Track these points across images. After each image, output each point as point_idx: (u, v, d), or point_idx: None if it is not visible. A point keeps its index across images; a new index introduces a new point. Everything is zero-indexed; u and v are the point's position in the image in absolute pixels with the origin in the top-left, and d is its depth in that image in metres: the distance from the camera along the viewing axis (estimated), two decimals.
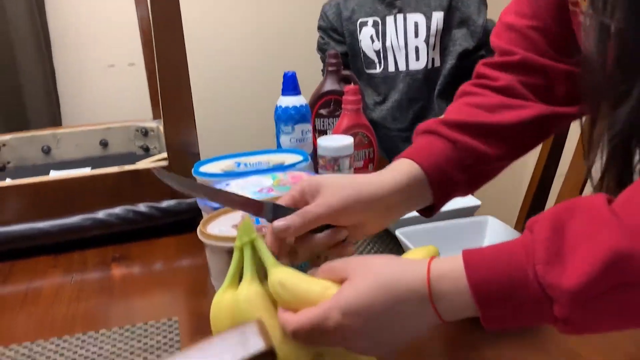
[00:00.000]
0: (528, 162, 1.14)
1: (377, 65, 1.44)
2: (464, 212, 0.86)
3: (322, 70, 1.49)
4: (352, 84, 1.14)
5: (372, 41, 1.42)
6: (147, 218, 0.92)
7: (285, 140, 1.00)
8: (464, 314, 0.45)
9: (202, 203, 0.78)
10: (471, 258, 0.44)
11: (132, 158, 1.19)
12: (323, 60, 1.51)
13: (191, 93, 0.91)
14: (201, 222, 0.68)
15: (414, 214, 0.83)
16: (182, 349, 0.65)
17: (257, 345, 0.32)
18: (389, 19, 1.39)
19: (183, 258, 0.88)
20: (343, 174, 0.61)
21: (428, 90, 1.41)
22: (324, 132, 1.16)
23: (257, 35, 1.93)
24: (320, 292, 0.47)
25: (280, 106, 0.99)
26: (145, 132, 1.24)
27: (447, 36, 1.38)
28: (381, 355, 0.48)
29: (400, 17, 1.38)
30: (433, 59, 1.39)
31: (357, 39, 1.44)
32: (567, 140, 1.20)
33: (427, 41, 1.37)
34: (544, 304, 0.41)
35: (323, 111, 1.16)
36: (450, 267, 0.45)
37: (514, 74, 0.67)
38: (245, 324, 0.36)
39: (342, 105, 1.03)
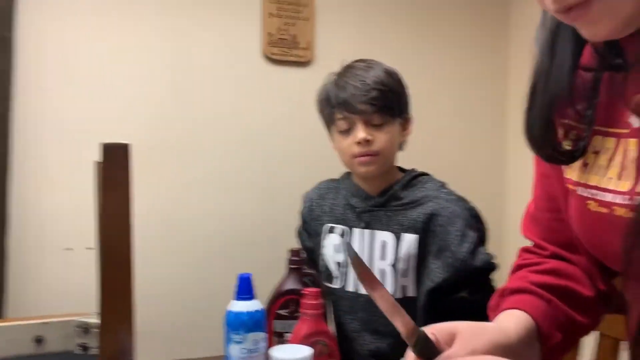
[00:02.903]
0: None
1: (336, 280, 1.28)
2: None
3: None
4: (315, 284, 1.09)
5: (336, 251, 1.27)
6: None
7: (235, 350, 0.90)
8: None
9: None
10: None
11: (69, 358, 1.07)
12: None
13: (132, 295, 0.83)
14: None
15: None
16: None
17: None
18: (356, 232, 1.25)
19: None
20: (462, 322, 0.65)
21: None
22: (282, 335, 1.06)
23: (212, 230, 1.83)
24: None
25: (232, 311, 0.91)
26: (86, 329, 1.13)
27: (422, 265, 1.18)
28: None
29: (367, 232, 1.24)
30: (404, 287, 1.20)
31: (321, 244, 1.31)
32: None
33: (394, 265, 1.19)
34: None
35: (282, 312, 1.08)
36: None
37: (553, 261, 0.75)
38: None
39: (301, 310, 0.95)
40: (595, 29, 0.53)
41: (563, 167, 0.68)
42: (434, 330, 0.59)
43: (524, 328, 0.64)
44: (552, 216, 0.74)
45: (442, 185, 1.25)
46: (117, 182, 0.81)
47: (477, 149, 2.17)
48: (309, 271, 1.14)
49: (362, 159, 1.20)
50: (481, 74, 2.15)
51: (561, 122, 0.64)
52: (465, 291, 1.13)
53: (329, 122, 1.28)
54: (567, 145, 0.64)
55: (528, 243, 0.83)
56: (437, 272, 1.15)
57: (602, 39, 0.56)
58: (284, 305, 1.08)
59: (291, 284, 1.08)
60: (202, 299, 1.77)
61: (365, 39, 1.97)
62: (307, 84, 1.76)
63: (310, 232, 1.37)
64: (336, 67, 1.29)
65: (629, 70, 0.57)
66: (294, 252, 1.11)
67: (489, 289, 1.21)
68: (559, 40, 0.60)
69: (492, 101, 2.18)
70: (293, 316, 1.06)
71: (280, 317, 1.07)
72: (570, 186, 0.67)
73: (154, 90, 1.76)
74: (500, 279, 1.24)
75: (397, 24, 2.03)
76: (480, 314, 0.71)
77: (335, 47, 1.91)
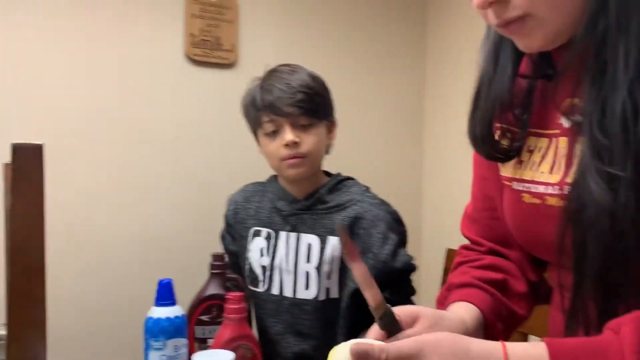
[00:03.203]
0: None
1: (261, 284, 1.27)
2: None
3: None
4: (238, 288, 1.08)
5: (262, 254, 1.27)
6: None
7: (155, 357, 0.87)
8: None
9: None
10: (555, 346, 0.50)
11: None
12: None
13: (44, 302, 0.78)
14: None
15: None
16: None
17: None
18: (282, 235, 1.26)
19: None
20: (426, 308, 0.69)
21: (321, 325, 1.21)
22: (204, 342, 1.04)
23: (130, 232, 1.76)
24: None
25: (152, 317, 0.89)
26: None
27: (345, 267, 1.18)
28: None
29: (293, 235, 1.25)
30: (328, 289, 1.21)
31: (247, 248, 1.30)
32: None
33: (318, 268, 1.21)
34: None
35: (204, 317, 1.06)
36: (529, 351, 0.50)
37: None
38: None
39: (224, 314, 0.94)
40: (529, 41, 0.61)
41: (499, 165, 0.74)
42: (398, 311, 0.63)
43: (475, 319, 0.71)
44: (489, 215, 0.81)
45: (367, 189, 1.28)
46: (29, 184, 0.76)
47: (395, 155, 2.23)
48: (232, 276, 1.13)
49: (291, 161, 1.21)
50: (399, 80, 2.22)
51: (498, 126, 0.71)
52: (387, 292, 1.16)
53: (255, 125, 1.27)
54: (504, 145, 0.71)
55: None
56: None
57: (536, 50, 0.63)
58: (206, 310, 1.06)
59: (213, 289, 1.07)
60: (120, 305, 1.70)
61: (288, 42, 1.98)
62: (231, 86, 1.75)
63: (234, 235, 1.35)
64: (260, 70, 1.28)
65: (559, 78, 0.64)
66: (217, 257, 1.09)
67: (409, 289, 1.24)
68: (501, 52, 0.68)
69: (409, 109, 2.25)
70: (215, 321, 1.05)
71: (201, 322, 1.05)
72: (506, 182, 0.73)
73: (69, 90, 1.67)
74: (418, 279, 1.28)
75: (320, 28, 2.05)
76: None
77: (259, 50, 1.91)
